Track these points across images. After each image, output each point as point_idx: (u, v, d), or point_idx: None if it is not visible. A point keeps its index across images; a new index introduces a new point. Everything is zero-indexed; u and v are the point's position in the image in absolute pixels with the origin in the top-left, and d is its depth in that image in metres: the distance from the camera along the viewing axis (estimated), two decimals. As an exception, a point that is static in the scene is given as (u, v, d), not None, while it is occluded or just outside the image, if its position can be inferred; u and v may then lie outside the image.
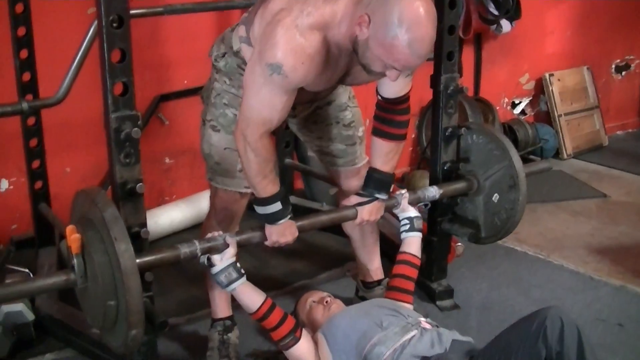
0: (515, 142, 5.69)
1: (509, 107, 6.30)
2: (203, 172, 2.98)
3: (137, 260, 2.26)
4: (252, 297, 2.72)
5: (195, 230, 4.07)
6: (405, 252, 3.09)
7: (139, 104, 2.55)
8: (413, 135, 5.65)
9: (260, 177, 2.59)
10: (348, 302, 3.06)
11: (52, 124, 3.82)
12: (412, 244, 3.11)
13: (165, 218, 4.27)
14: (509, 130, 5.77)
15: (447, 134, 3.30)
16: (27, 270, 3.57)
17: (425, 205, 3.23)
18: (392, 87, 2.76)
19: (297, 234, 2.75)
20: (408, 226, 3.11)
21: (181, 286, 3.69)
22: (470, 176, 3.29)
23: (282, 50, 2.39)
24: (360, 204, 2.93)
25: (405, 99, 2.83)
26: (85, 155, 4.22)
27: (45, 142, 3.68)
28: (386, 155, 2.91)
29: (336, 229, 3.47)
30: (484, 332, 3.21)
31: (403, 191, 3.09)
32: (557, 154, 6.15)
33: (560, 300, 3.57)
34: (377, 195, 2.93)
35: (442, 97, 3.26)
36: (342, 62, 2.56)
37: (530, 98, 6.41)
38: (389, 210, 3.08)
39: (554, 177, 5.40)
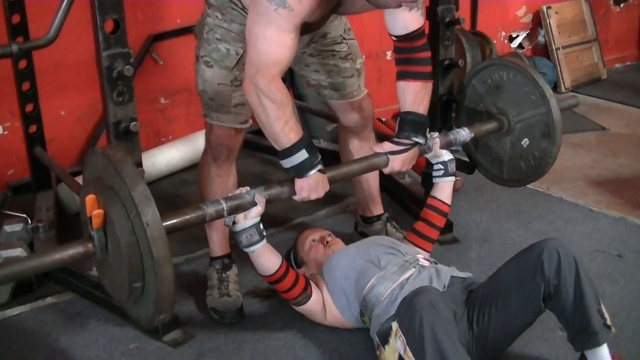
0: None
1: (506, 41, 6.27)
2: (199, 111, 2.94)
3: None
4: (269, 261, 2.64)
5: (193, 170, 4.05)
6: (435, 198, 2.99)
7: (131, 44, 2.51)
8: (410, 71, 5.60)
9: (281, 122, 2.42)
10: (347, 237, 3.07)
11: (44, 66, 3.78)
12: (444, 189, 2.99)
13: (162, 158, 4.26)
14: (507, 64, 5.72)
15: (444, 66, 3.26)
16: (24, 215, 3.57)
17: (456, 150, 3.06)
18: (400, 22, 2.66)
19: (328, 187, 2.58)
20: (442, 172, 2.96)
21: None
22: (500, 115, 3.11)
23: None
24: (393, 153, 2.75)
25: (419, 34, 2.70)
26: (79, 97, 4.19)
27: (38, 84, 3.64)
28: (416, 96, 2.75)
29: (334, 163, 3.44)
30: (484, 264, 3.22)
31: (434, 134, 2.91)
32: (555, 88, 6.13)
33: (560, 232, 3.59)
34: (415, 139, 2.74)
35: (439, 29, 3.22)
36: None
37: (528, 31, 6.37)
38: (421, 155, 2.88)
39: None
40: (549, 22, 6.21)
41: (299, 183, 2.52)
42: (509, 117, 3.09)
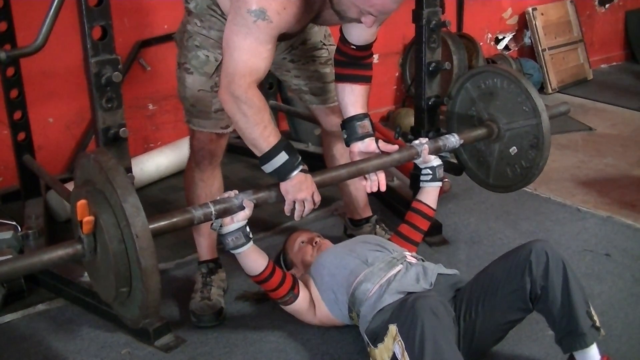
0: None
1: (492, 43, 6.29)
2: (186, 117, 2.97)
3: (149, 227, 2.06)
4: (256, 262, 2.64)
5: (181, 175, 4.04)
6: (420, 202, 3.01)
7: (119, 50, 2.52)
8: (397, 74, 5.63)
9: (260, 127, 2.42)
10: (337, 240, 3.07)
11: (32, 73, 3.78)
12: (430, 194, 3.01)
13: (151, 164, 4.27)
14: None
15: (430, 68, 3.28)
16: (14, 223, 3.56)
17: (444, 157, 3.05)
18: (367, 35, 2.72)
19: (315, 189, 2.54)
20: (430, 177, 2.97)
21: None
22: (490, 122, 3.11)
23: None
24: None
25: (372, 44, 2.81)
26: (67, 104, 4.20)
27: (26, 92, 3.64)
28: (365, 98, 2.85)
29: (322, 167, 3.45)
30: (473, 265, 3.24)
31: (423, 140, 2.93)
32: (541, 89, 6.16)
33: (548, 232, 3.61)
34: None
35: (425, 32, 3.23)
36: (316, 6, 2.53)
37: (514, 33, 6.39)
38: (409, 160, 2.94)
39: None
40: (535, 24, 6.24)
41: (283, 186, 2.51)
42: (499, 124, 3.08)
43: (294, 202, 2.53)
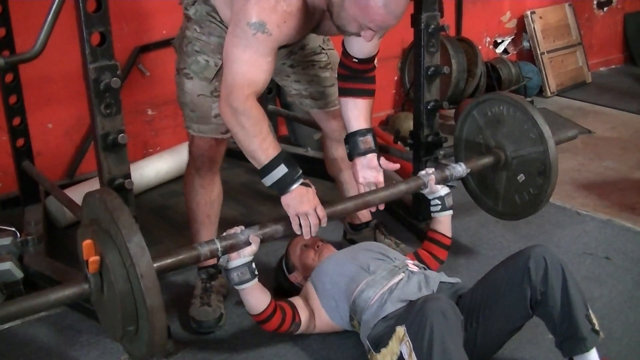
0: (499, 81, 5.69)
1: (491, 46, 6.30)
2: (185, 122, 2.96)
3: (155, 265, 2.10)
4: (259, 299, 2.61)
5: (181, 180, 4.04)
6: (435, 231, 3.01)
7: (118, 56, 2.51)
8: (396, 78, 5.64)
9: (259, 139, 2.43)
10: (336, 245, 3.07)
11: (31, 79, 3.78)
12: (443, 223, 3.01)
13: (150, 170, 4.27)
14: (492, 69, 5.76)
15: (429, 72, 3.28)
16: (13, 229, 3.55)
17: (451, 186, 3.06)
18: (368, 47, 2.73)
19: (317, 202, 2.52)
20: (440, 207, 2.98)
21: (169, 236, 3.70)
22: (497, 149, 3.11)
23: (263, 9, 2.35)
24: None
25: (374, 56, 2.82)
26: (66, 110, 4.19)
27: (25, 98, 3.64)
28: (368, 112, 2.86)
29: (321, 172, 3.45)
30: (473, 269, 3.24)
31: (430, 170, 2.94)
32: (540, 92, 6.17)
33: (548, 235, 3.61)
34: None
35: (424, 36, 3.23)
36: (315, 18, 2.55)
37: (513, 36, 6.40)
38: (416, 191, 2.96)
39: (539, 114, 5.41)
40: (534, 27, 6.25)
41: (284, 200, 2.50)
42: (506, 151, 3.09)
43: (298, 218, 2.51)
